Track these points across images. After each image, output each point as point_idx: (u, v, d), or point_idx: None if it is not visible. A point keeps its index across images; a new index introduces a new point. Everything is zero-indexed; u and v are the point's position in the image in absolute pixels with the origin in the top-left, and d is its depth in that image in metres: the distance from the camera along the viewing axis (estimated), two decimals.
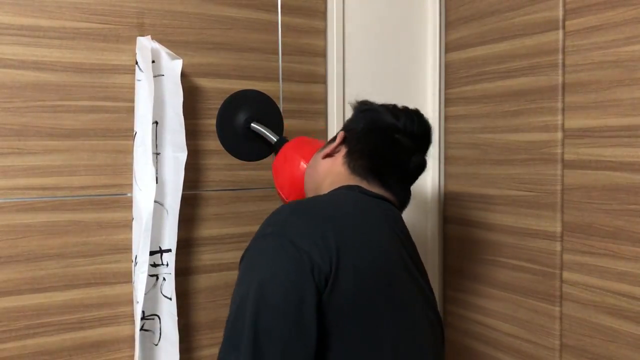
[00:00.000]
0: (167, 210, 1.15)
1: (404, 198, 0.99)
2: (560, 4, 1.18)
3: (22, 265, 1.09)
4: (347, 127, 1.00)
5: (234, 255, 1.30)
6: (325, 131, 1.40)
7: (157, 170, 1.14)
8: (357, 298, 0.76)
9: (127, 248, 1.17)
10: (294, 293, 0.72)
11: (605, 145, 1.11)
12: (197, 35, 1.23)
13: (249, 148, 1.30)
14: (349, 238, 0.78)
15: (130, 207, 1.16)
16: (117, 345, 1.17)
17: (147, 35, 1.15)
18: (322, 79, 1.40)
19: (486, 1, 1.36)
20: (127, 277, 1.18)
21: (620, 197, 1.09)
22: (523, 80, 1.27)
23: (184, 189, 1.16)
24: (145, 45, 1.12)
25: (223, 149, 1.28)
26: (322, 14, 1.39)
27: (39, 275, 1.10)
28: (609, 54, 1.09)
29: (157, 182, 1.12)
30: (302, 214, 0.80)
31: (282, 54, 1.34)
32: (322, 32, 1.39)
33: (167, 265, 1.15)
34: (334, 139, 1.01)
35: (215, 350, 1.21)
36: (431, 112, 1.52)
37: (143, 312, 1.12)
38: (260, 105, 1.31)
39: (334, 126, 1.38)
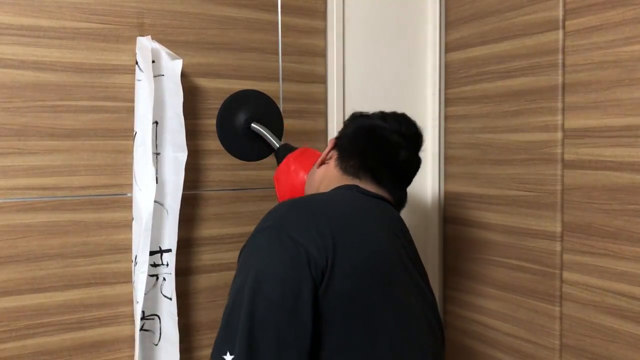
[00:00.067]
0: (167, 210, 1.15)
1: (400, 197, 1.00)
2: (560, 4, 1.18)
3: (22, 265, 1.09)
4: (339, 134, 1.04)
5: (234, 255, 1.29)
6: (325, 131, 1.40)
7: (157, 170, 1.14)
8: (352, 294, 0.76)
9: (127, 248, 1.17)
10: (291, 285, 0.73)
11: (605, 145, 1.11)
12: (197, 35, 1.23)
13: (249, 148, 1.30)
14: (346, 235, 0.79)
15: (130, 207, 1.16)
16: (117, 345, 1.17)
17: (147, 35, 1.15)
18: (322, 79, 1.40)
19: (486, 1, 1.36)
20: (127, 277, 1.18)
21: (620, 197, 1.09)
22: (523, 80, 1.27)
23: (184, 189, 1.16)
24: (145, 45, 1.12)
25: (223, 149, 1.28)
26: (322, 14, 1.39)
27: (39, 275, 1.10)
28: (609, 54, 1.09)
29: (157, 182, 1.12)
30: (300, 210, 0.82)
31: (282, 54, 1.34)
32: (322, 32, 1.39)
33: (167, 265, 1.15)
34: (326, 148, 1.04)
35: None
36: (431, 112, 1.52)
37: (143, 312, 1.12)
38: (260, 105, 1.31)
39: (334, 126, 1.38)
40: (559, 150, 1.20)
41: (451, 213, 1.50)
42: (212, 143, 1.27)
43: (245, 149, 1.30)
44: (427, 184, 1.52)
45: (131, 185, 1.16)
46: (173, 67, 1.14)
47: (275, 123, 1.32)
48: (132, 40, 1.15)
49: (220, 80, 1.27)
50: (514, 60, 1.29)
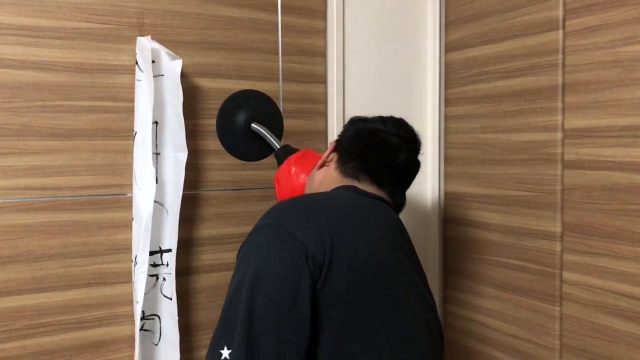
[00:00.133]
0: (167, 210, 1.15)
1: (399, 200, 1.01)
2: (560, 4, 1.18)
3: (22, 265, 1.09)
4: (339, 137, 1.04)
5: (234, 255, 1.27)
6: (325, 131, 1.40)
7: (157, 170, 1.14)
8: (349, 291, 0.77)
9: (127, 248, 1.17)
10: (290, 280, 0.74)
11: (605, 145, 1.11)
12: (197, 35, 1.23)
13: (249, 148, 1.30)
14: (343, 232, 0.80)
15: (130, 207, 1.16)
16: (117, 345, 1.17)
17: (147, 35, 1.15)
18: (322, 79, 1.40)
19: (486, 1, 1.36)
20: (127, 277, 1.18)
21: (620, 197, 1.09)
22: (523, 80, 1.27)
23: (184, 189, 1.16)
24: (145, 45, 1.12)
25: (223, 149, 1.28)
26: (322, 14, 1.39)
27: (39, 275, 1.10)
28: (609, 54, 1.09)
29: (157, 182, 1.12)
30: (299, 208, 0.83)
31: (282, 54, 1.34)
32: (322, 32, 1.39)
33: (167, 265, 1.15)
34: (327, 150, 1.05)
35: None
36: (431, 112, 1.52)
37: (143, 312, 1.12)
38: (260, 106, 1.31)
39: (334, 126, 1.38)
40: (559, 150, 1.20)
41: (451, 213, 1.50)
42: (212, 143, 1.27)
43: (245, 149, 1.30)
44: (427, 184, 1.52)
45: (131, 185, 1.16)
46: (173, 67, 1.14)
47: (275, 123, 1.32)
48: (132, 40, 1.15)
49: (220, 80, 1.27)
50: (514, 60, 1.29)
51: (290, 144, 1.26)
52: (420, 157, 1.03)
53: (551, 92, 1.21)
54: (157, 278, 1.15)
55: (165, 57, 1.14)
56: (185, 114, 1.15)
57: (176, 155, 1.15)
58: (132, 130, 1.14)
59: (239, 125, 1.28)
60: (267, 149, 1.32)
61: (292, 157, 1.18)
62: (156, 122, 1.14)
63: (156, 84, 1.12)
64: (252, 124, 1.27)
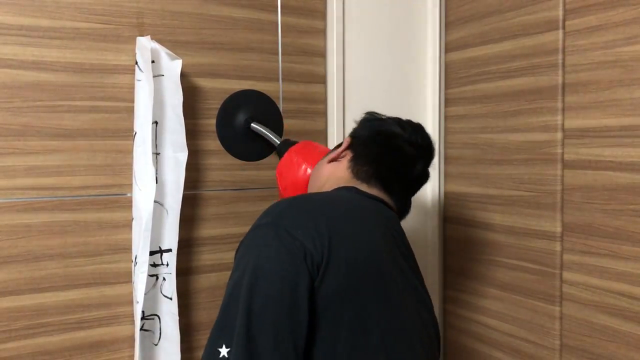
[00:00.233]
0: (167, 210, 1.15)
1: (404, 207, 1.01)
2: (560, 4, 1.18)
3: (22, 265, 1.09)
4: (354, 133, 1.02)
5: (234, 255, 1.30)
6: (325, 131, 1.40)
7: (157, 170, 1.14)
8: (346, 290, 0.77)
9: (127, 248, 1.17)
10: (288, 279, 0.74)
11: (605, 145, 1.11)
12: (197, 35, 1.23)
13: (249, 148, 1.30)
14: (342, 232, 0.80)
15: (130, 207, 1.16)
16: (117, 345, 1.17)
17: (147, 35, 1.15)
18: (322, 79, 1.40)
19: (486, 1, 1.36)
20: (127, 277, 1.18)
21: (620, 197, 1.09)
22: (523, 80, 1.27)
23: (184, 189, 1.16)
24: (145, 45, 1.12)
25: (223, 149, 1.28)
26: (322, 14, 1.39)
27: (39, 275, 1.10)
28: (609, 54, 1.09)
29: (157, 182, 1.12)
30: (298, 208, 0.82)
31: (282, 54, 1.34)
32: (322, 32, 1.39)
33: (167, 265, 1.15)
34: (339, 144, 1.03)
35: None
36: (431, 112, 1.52)
37: (143, 312, 1.12)
38: (260, 105, 1.31)
39: (334, 126, 1.38)
40: (559, 150, 1.20)
41: (451, 213, 1.50)
42: (212, 143, 1.27)
43: (245, 149, 1.30)
44: (427, 183, 1.52)
45: (131, 185, 1.16)
46: (173, 67, 1.14)
47: (275, 123, 1.32)
48: (132, 40, 1.15)
49: (220, 80, 1.27)
50: (514, 60, 1.29)
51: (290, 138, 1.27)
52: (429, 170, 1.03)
53: (551, 92, 1.21)
54: (157, 278, 1.15)
55: (165, 57, 1.14)
56: (185, 114, 1.15)
57: (176, 155, 1.15)
58: (132, 130, 1.14)
59: (239, 125, 1.28)
60: (267, 149, 1.32)
61: (293, 148, 1.18)
62: (156, 122, 1.14)
63: (156, 84, 1.12)
64: (252, 124, 1.27)
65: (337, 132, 1.38)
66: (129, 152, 1.16)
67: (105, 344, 1.16)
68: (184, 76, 1.19)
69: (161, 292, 1.15)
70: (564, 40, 1.18)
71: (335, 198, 0.91)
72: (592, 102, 1.13)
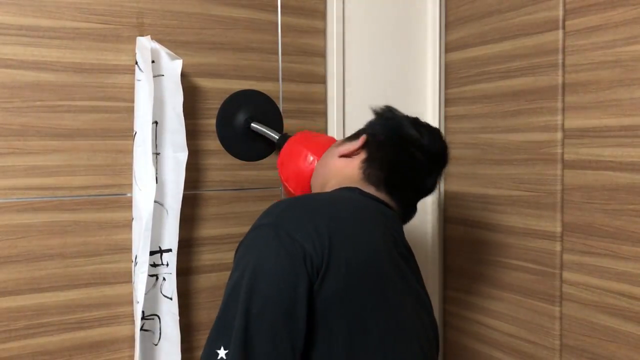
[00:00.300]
0: (167, 210, 1.15)
1: (409, 213, 1.00)
2: (560, 4, 1.18)
3: (22, 265, 1.09)
4: (370, 131, 0.99)
5: (234, 254, 1.30)
6: (325, 131, 1.40)
7: (157, 170, 1.14)
8: (345, 293, 0.76)
9: (127, 248, 1.17)
10: (287, 281, 0.74)
11: (605, 145, 1.11)
12: (197, 35, 1.23)
13: (249, 148, 1.30)
14: (342, 234, 0.79)
15: (130, 207, 1.16)
16: (117, 345, 1.17)
17: (147, 35, 1.15)
18: (322, 79, 1.40)
19: (486, 1, 1.36)
20: (127, 277, 1.18)
21: (620, 197, 1.09)
22: (523, 80, 1.27)
23: (184, 189, 1.16)
24: (145, 45, 1.12)
25: (223, 149, 1.28)
26: (322, 14, 1.39)
27: (39, 275, 1.10)
28: (609, 54, 1.09)
29: (157, 182, 1.12)
30: (298, 209, 0.82)
31: (282, 54, 1.34)
32: (322, 32, 1.39)
33: (167, 265, 1.15)
34: (353, 137, 1.00)
35: None
36: (431, 112, 1.52)
37: (143, 312, 1.12)
38: (260, 105, 1.31)
39: (334, 126, 1.38)
40: (559, 150, 1.20)
41: (451, 213, 1.50)
42: (212, 143, 1.27)
43: (245, 149, 1.30)
44: None
45: (131, 185, 1.16)
46: (173, 67, 1.14)
47: (275, 123, 1.32)
48: (132, 40, 1.15)
49: (220, 80, 1.27)
50: (514, 60, 1.29)
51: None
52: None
53: (551, 92, 1.21)
54: (157, 278, 1.15)
55: (165, 57, 1.14)
56: (185, 114, 1.15)
57: (176, 155, 1.15)
58: (132, 130, 1.14)
59: (239, 125, 1.28)
60: (268, 149, 1.32)
61: (293, 138, 1.18)
62: (156, 122, 1.14)
63: (156, 84, 1.12)
64: (252, 124, 1.27)
65: (337, 132, 1.38)
66: (129, 152, 1.16)
67: (105, 344, 1.16)
68: (184, 76, 1.19)
69: (161, 292, 1.15)
70: (564, 40, 1.18)
71: (337, 199, 0.90)
72: (592, 102, 1.13)
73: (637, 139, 1.06)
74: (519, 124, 1.28)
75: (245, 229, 1.29)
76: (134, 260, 1.11)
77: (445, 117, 1.51)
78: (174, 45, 1.20)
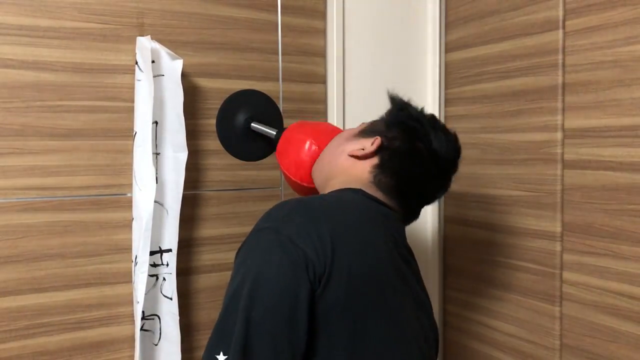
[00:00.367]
0: (167, 211, 1.15)
1: (413, 216, 0.99)
2: (560, 4, 1.18)
3: (22, 265, 1.09)
4: (385, 133, 0.94)
5: (234, 256, 1.29)
6: None
7: (157, 170, 1.14)
8: (347, 299, 0.76)
9: (127, 248, 1.17)
10: (289, 289, 0.73)
11: (605, 145, 1.11)
12: (197, 35, 1.23)
13: (249, 148, 1.30)
14: (345, 240, 0.78)
15: (130, 207, 1.16)
16: (117, 345, 1.17)
17: (147, 35, 1.15)
18: (322, 79, 1.40)
19: (486, 1, 1.36)
20: (127, 277, 1.18)
21: (620, 197, 1.09)
22: (523, 80, 1.27)
23: (184, 189, 1.16)
24: (145, 45, 1.12)
25: (223, 149, 1.28)
26: (322, 14, 1.39)
27: (39, 275, 1.10)
28: (609, 54, 1.09)
29: (157, 182, 1.12)
30: (301, 213, 0.80)
31: (282, 54, 1.34)
32: (322, 32, 1.39)
33: (167, 265, 1.15)
34: (366, 134, 0.96)
35: None
36: (431, 112, 1.52)
37: (143, 312, 1.12)
38: (260, 105, 1.31)
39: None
40: (559, 150, 1.20)
41: (451, 213, 1.50)
42: (212, 143, 1.27)
43: (245, 149, 1.30)
44: None
45: (131, 185, 1.16)
46: (173, 67, 1.14)
47: (275, 123, 1.32)
48: (132, 40, 1.15)
49: (220, 80, 1.27)
50: (514, 60, 1.29)
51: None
52: None
53: (551, 92, 1.21)
54: (157, 278, 1.15)
55: (166, 57, 1.14)
56: (185, 114, 1.15)
57: (176, 155, 1.15)
58: (132, 130, 1.14)
59: (239, 125, 1.28)
60: (268, 149, 1.32)
61: (290, 127, 1.16)
62: (156, 122, 1.14)
63: (156, 84, 1.12)
64: (252, 124, 1.27)
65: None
66: (129, 152, 1.16)
67: (105, 344, 1.16)
68: (184, 76, 1.19)
69: (161, 292, 1.15)
70: (564, 40, 1.18)
71: (340, 203, 0.88)
72: (592, 102, 1.13)
73: (637, 139, 1.06)
74: (519, 124, 1.28)
75: (246, 229, 1.31)
76: (134, 260, 1.11)
77: (445, 117, 1.51)
78: (174, 45, 1.20)
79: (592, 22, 1.12)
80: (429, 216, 1.53)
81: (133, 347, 1.17)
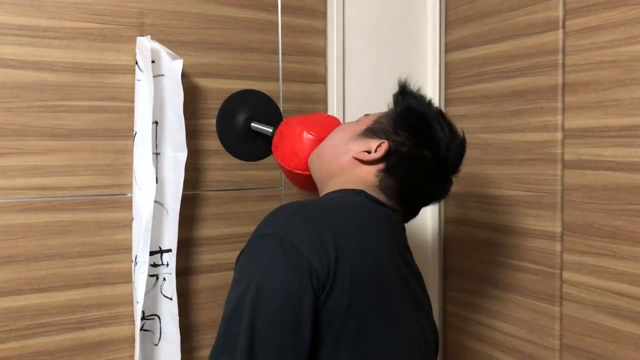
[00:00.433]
0: (167, 211, 1.15)
1: (412, 216, 0.99)
2: (560, 4, 1.18)
3: (22, 265, 1.09)
4: (392, 137, 0.92)
5: (234, 256, 1.28)
6: None
7: (157, 170, 1.14)
8: (350, 304, 0.75)
9: (127, 248, 1.17)
10: (293, 298, 0.72)
11: (605, 145, 1.11)
12: (197, 35, 1.23)
13: (249, 148, 1.30)
14: (348, 245, 0.77)
15: (130, 207, 1.16)
16: (117, 345, 1.17)
17: (147, 35, 1.15)
18: (322, 79, 1.40)
19: (486, 1, 1.36)
20: (127, 277, 1.18)
21: (620, 197, 1.09)
22: (523, 80, 1.27)
23: (184, 189, 1.16)
24: (145, 45, 1.12)
25: (223, 149, 1.28)
26: (322, 14, 1.39)
27: (39, 275, 1.10)
28: (609, 54, 1.09)
29: (157, 182, 1.12)
30: (304, 218, 0.79)
31: (282, 54, 1.34)
32: (322, 32, 1.39)
33: (167, 265, 1.15)
34: (371, 133, 0.94)
35: None
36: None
37: (143, 312, 1.12)
38: (260, 105, 1.31)
39: None
40: (559, 150, 1.20)
41: (451, 213, 1.50)
42: (212, 143, 1.27)
43: (245, 149, 1.30)
44: None
45: (131, 185, 1.16)
46: (173, 67, 1.14)
47: (275, 123, 1.32)
48: (132, 40, 1.15)
49: (220, 80, 1.27)
50: (514, 60, 1.29)
51: None
52: None
53: (551, 92, 1.21)
54: (157, 278, 1.15)
55: (166, 56, 1.14)
56: (185, 114, 1.15)
57: (176, 155, 1.15)
58: (132, 130, 1.14)
59: (239, 125, 1.28)
60: (268, 149, 1.31)
61: (283, 122, 1.17)
62: (156, 122, 1.14)
63: (156, 84, 1.12)
64: (252, 124, 1.27)
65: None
66: (129, 152, 1.16)
67: (105, 344, 1.16)
68: (184, 76, 1.19)
69: (161, 292, 1.15)
70: (564, 40, 1.18)
71: (343, 206, 0.87)
72: (592, 102, 1.13)
73: (637, 139, 1.06)
74: (519, 124, 1.28)
75: (245, 229, 1.31)
76: (134, 260, 1.11)
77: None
78: (174, 45, 1.20)
79: (592, 22, 1.12)
80: (429, 216, 1.53)
81: (133, 347, 1.17)
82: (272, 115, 1.32)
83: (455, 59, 1.47)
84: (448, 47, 1.50)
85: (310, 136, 1.07)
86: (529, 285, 1.28)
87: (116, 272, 1.17)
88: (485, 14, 1.37)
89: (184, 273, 1.23)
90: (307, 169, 1.07)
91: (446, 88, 1.51)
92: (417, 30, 1.51)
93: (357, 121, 1.03)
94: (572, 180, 1.17)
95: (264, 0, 1.30)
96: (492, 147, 1.36)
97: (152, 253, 1.12)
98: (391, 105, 1.02)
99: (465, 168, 1.43)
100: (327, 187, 0.96)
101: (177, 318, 1.14)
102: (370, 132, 0.95)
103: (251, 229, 0.88)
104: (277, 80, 1.34)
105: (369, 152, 0.92)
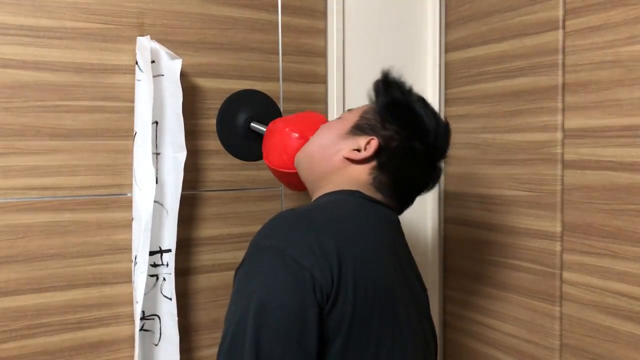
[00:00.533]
0: (166, 210, 1.15)
1: (407, 206, 0.98)
2: (560, 4, 1.18)
3: (22, 265, 1.09)
4: (380, 131, 0.90)
5: (234, 256, 1.30)
6: None
7: (157, 170, 1.14)
8: (354, 312, 0.74)
9: (127, 248, 1.17)
10: (297, 313, 0.71)
11: (605, 145, 1.11)
12: (197, 35, 1.23)
13: (249, 148, 1.30)
14: (350, 253, 0.76)
15: (130, 207, 1.16)
16: (117, 345, 1.17)
17: (147, 35, 1.15)
18: (322, 79, 1.40)
19: (486, 1, 1.36)
20: (127, 277, 1.18)
21: (620, 197, 1.09)
22: (523, 80, 1.27)
23: (183, 189, 1.16)
24: (145, 45, 1.12)
25: (223, 149, 1.28)
26: (322, 14, 1.39)
27: (39, 275, 1.10)
28: (609, 54, 1.09)
29: (156, 182, 1.12)
30: (303, 228, 0.77)
31: (282, 54, 1.34)
32: (322, 32, 1.39)
33: (167, 265, 1.15)
34: (360, 130, 0.91)
35: (215, 351, 1.21)
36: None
37: (143, 312, 1.12)
38: (260, 105, 1.31)
39: None
40: (559, 150, 1.20)
41: (451, 213, 1.50)
42: (212, 143, 1.27)
43: (245, 149, 1.30)
44: None
45: (131, 185, 1.16)
46: (173, 67, 1.14)
47: None
48: (132, 40, 1.15)
49: (220, 80, 1.27)
50: (514, 60, 1.29)
51: None
52: None
53: (551, 92, 1.21)
54: (157, 278, 1.15)
55: (165, 56, 1.14)
56: (185, 114, 1.15)
57: (175, 155, 1.15)
58: (132, 130, 1.14)
59: (239, 125, 1.28)
60: None
61: (270, 123, 1.17)
62: (156, 122, 1.14)
63: (156, 84, 1.12)
64: (252, 124, 1.27)
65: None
66: (129, 152, 1.16)
67: (105, 344, 1.16)
68: (184, 76, 1.19)
69: (161, 293, 1.15)
70: (564, 40, 1.18)
71: (341, 211, 0.85)
72: (592, 102, 1.13)
73: (637, 139, 1.06)
74: (519, 124, 1.28)
75: (245, 229, 1.31)
76: (133, 260, 1.11)
77: (445, 117, 1.50)
78: (174, 45, 1.20)
79: (592, 22, 1.12)
80: (429, 216, 1.53)
81: (133, 347, 1.17)
82: (272, 115, 1.32)
83: (455, 59, 1.47)
84: (448, 47, 1.50)
85: (294, 134, 1.06)
86: (528, 285, 1.28)
87: (116, 272, 1.17)
88: (485, 14, 1.37)
89: (183, 273, 1.23)
90: (292, 167, 1.05)
91: (446, 88, 1.51)
92: (417, 30, 1.51)
93: (341, 118, 0.99)
94: (572, 180, 1.17)
95: (264, 0, 1.30)
96: (492, 147, 1.36)
97: (152, 253, 1.12)
98: (372, 94, 0.98)
99: (466, 168, 1.44)
100: (320, 189, 0.94)
101: (176, 318, 1.14)
102: (358, 128, 0.92)
103: (251, 228, 0.88)
104: (277, 80, 1.34)
105: (359, 151, 0.90)
